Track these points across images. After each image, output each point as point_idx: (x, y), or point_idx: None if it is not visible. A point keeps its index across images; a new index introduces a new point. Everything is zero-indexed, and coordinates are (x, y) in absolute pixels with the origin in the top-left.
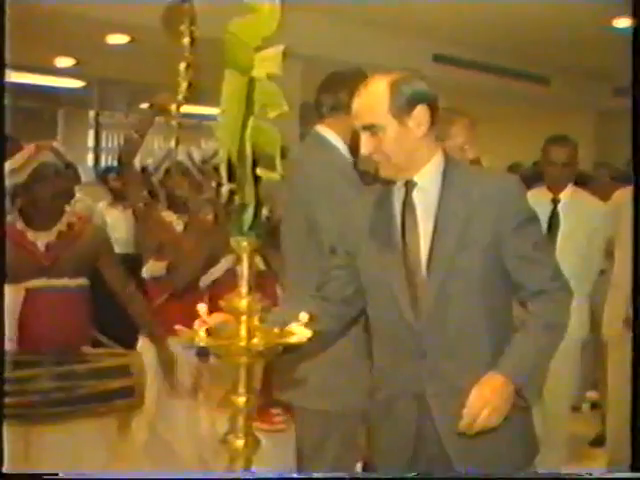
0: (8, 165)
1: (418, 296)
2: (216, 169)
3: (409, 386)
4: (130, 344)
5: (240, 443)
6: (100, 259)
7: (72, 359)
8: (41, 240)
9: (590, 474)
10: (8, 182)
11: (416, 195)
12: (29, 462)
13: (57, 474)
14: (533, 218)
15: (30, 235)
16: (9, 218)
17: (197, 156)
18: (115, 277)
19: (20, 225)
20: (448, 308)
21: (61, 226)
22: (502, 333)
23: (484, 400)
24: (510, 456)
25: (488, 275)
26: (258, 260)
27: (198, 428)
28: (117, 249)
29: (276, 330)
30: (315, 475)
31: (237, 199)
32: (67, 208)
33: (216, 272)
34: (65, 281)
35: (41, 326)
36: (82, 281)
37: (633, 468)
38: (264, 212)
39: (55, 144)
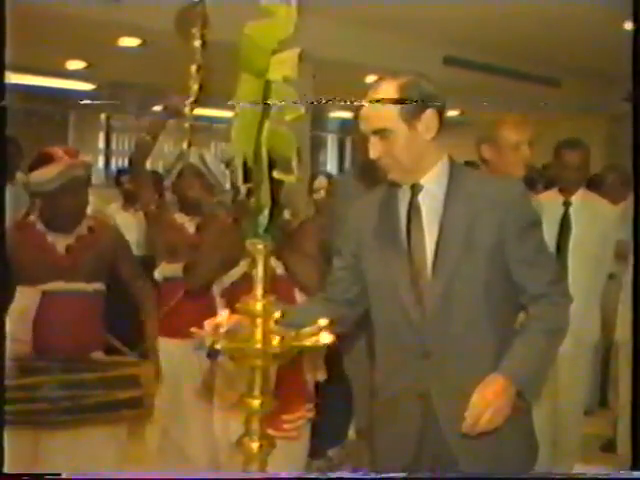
0: (38, 175)
1: (423, 297)
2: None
3: (413, 386)
4: (144, 350)
5: (255, 446)
6: (118, 261)
7: (82, 367)
8: (60, 243)
9: (584, 474)
10: (34, 189)
11: (422, 198)
12: (38, 468)
13: (60, 474)
14: (536, 222)
15: (50, 237)
16: (29, 219)
17: (209, 158)
18: (133, 278)
19: (40, 227)
20: (452, 309)
21: (81, 229)
22: (505, 335)
23: (486, 402)
24: (513, 456)
25: (492, 278)
26: (277, 264)
27: (212, 432)
28: None
29: (292, 333)
30: (330, 475)
31: (253, 201)
32: (88, 211)
33: (235, 274)
34: (82, 285)
35: (56, 330)
36: (99, 286)
37: (634, 468)
38: (286, 215)
39: (86, 159)
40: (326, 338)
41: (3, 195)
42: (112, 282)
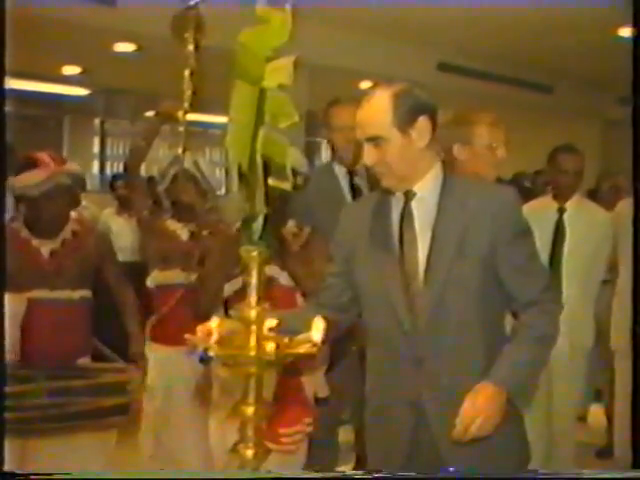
0: (22, 180)
1: (415, 304)
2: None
3: (405, 393)
4: (131, 356)
5: (250, 453)
6: (103, 267)
7: (69, 374)
8: (45, 247)
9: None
10: (18, 192)
11: (415, 205)
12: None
13: (69, 473)
14: (528, 230)
15: (34, 242)
16: (14, 225)
17: (203, 164)
18: (117, 283)
19: (25, 233)
20: (444, 317)
21: (65, 234)
22: (496, 342)
23: (477, 409)
24: (504, 462)
25: (484, 285)
26: (285, 275)
27: (206, 439)
28: (122, 257)
29: (286, 340)
30: (328, 475)
31: (247, 208)
32: (72, 215)
33: (237, 284)
34: (68, 293)
35: (43, 338)
36: (85, 293)
37: (634, 466)
38: (290, 225)
39: (73, 167)
40: (316, 334)
41: (3, 199)
42: (99, 288)
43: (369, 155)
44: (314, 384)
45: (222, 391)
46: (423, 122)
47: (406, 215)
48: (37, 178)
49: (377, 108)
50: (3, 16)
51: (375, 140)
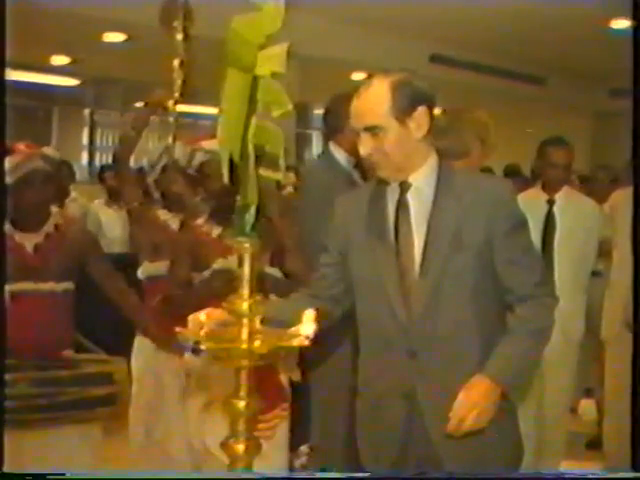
0: None
1: (410, 296)
2: None
3: (398, 385)
4: (116, 349)
5: (241, 448)
6: (88, 260)
7: (55, 365)
8: (29, 242)
9: (594, 474)
10: None
11: (410, 196)
12: (11, 468)
13: (64, 474)
14: (524, 223)
15: (18, 237)
16: None
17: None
18: (105, 277)
19: (8, 227)
20: (440, 308)
21: (48, 228)
22: (492, 335)
23: (471, 402)
24: (498, 456)
25: (480, 277)
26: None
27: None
28: (112, 249)
29: (277, 332)
30: (317, 475)
31: (239, 199)
32: (54, 209)
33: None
34: (51, 285)
35: (25, 330)
36: (68, 285)
37: (634, 467)
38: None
39: (46, 150)
40: (307, 327)
41: (4, 193)
42: (82, 281)
43: (366, 145)
44: (287, 368)
45: (197, 382)
46: (421, 112)
47: (402, 206)
48: (11, 163)
49: (375, 97)
50: (3, 13)
51: (372, 129)
